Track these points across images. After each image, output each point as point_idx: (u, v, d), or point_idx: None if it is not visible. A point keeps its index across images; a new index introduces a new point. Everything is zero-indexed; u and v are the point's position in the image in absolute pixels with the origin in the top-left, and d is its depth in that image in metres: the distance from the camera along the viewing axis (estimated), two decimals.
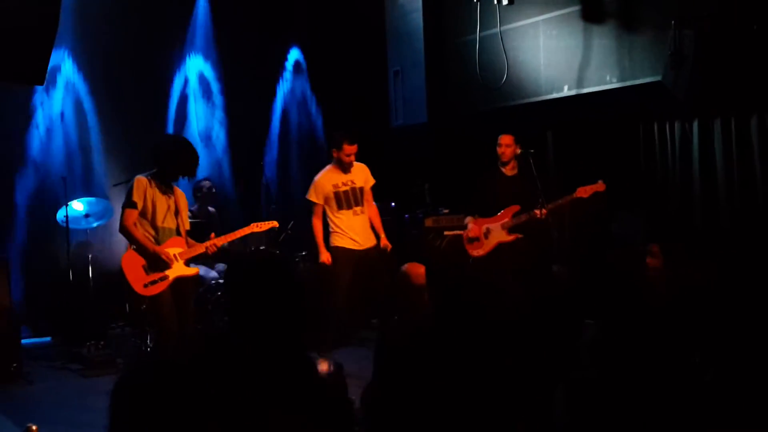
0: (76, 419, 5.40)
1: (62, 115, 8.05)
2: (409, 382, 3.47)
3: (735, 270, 5.46)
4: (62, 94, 8.04)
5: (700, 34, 5.25)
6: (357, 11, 8.81)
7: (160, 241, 5.58)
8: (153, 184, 5.58)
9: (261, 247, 7.37)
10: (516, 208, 6.41)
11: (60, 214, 7.17)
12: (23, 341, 6.93)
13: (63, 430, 5.01)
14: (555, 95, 6.68)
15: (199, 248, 5.75)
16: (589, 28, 6.36)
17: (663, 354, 2.44)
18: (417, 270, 3.99)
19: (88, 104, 8.18)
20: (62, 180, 7.36)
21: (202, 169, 8.92)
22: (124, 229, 5.56)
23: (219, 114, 9.15)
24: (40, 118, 7.94)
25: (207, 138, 9.07)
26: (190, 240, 5.82)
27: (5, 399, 5.74)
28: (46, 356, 7.14)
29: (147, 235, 5.56)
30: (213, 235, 5.86)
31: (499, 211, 6.51)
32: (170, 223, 5.65)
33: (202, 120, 9.03)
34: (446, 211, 7.93)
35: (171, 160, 5.60)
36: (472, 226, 6.62)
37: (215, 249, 5.79)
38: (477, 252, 6.59)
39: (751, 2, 5.28)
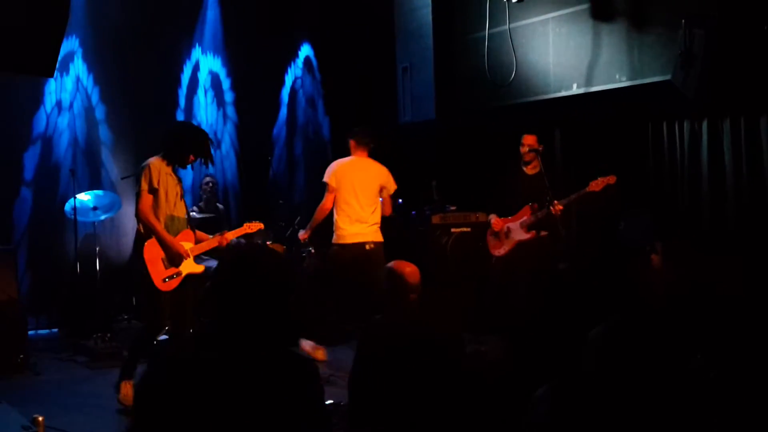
0: (82, 411, 5.43)
1: (71, 106, 8.07)
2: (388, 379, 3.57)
3: (742, 269, 5.45)
4: (71, 85, 8.07)
5: (711, 34, 5.23)
6: (366, 7, 8.80)
7: (170, 230, 5.50)
8: (165, 168, 5.48)
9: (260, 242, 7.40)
10: (534, 206, 6.48)
11: (68, 207, 7.20)
12: (30, 332, 6.96)
13: (69, 421, 5.02)
14: (564, 93, 6.66)
15: (213, 242, 5.73)
16: (598, 27, 6.34)
17: (666, 353, 2.43)
18: (409, 268, 3.96)
19: (96, 96, 8.20)
20: (70, 172, 7.39)
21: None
22: (143, 216, 5.39)
23: (228, 109, 9.17)
24: (48, 109, 7.97)
25: (215, 133, 9.09)
26: (198, 232, 5.80)
27: (12, 390, 5.76)
28: (53, 348, 7.18)
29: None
30: (225, 232, 5.90)
31: (519, 210, 6.61)
32: (180, 211, 5.58)
33: (211, 115, 9.05)
34: (453, 208, 7.94)
35: (187, 142, 5.52)
36: (496, 221, 6.72)
37: (227, 242, 5.81)
38: (498, 252, 6.74)
39: (761, 2, 5.25)
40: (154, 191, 5.40)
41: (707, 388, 2.87)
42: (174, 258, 5.46)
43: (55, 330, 7.72)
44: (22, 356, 6.39)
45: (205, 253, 5.92)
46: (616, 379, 2.31)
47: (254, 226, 6.13)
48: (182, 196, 5.64)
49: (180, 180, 5.67)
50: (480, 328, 6.21)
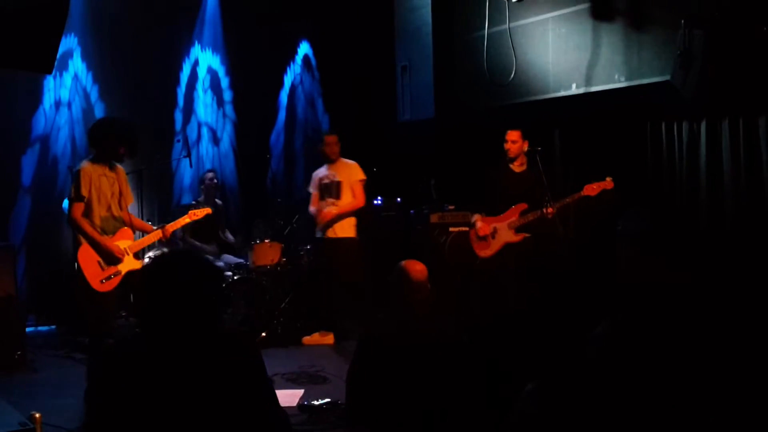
0: (79, 408, 5.41)
1: (70, 104, 8.07)
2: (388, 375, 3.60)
3: (739, 271, 5.45)
4: (70, 83, 8.07)
5: (710, 34, 5.23)
6: (366, 6, 8.81)
7: (106, 230, 5.50)
8: (97, 170, 5.49)
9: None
10: (523, 206, 6.33)
11: (66, 204, 7.20)
12: (28, 329, 6.97)
13: (66, 419, 5.02)
14: (563, 93, 6.66)
15: (153, 236, 5.76)
16: (598, 27, 6.35)
17: (666, 353, 2.43)
18: (417, 266, 3.97)
19: (95, 94, 8.20)
20: (68, 169, 7.39)
21: (208, 161, 8.98)
22: (73, 222, 5.45)
23: (226, 107, 9.16)
24: (47, 108, 7.97)
25: (214, 131, 9.08)
26: (138, 222, 5.82)
27: (9, 387, 5.76)
28: (51, 345, 7.18)
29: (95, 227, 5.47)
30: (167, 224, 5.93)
31: (507, 209, 6.44)
32: (116, 210, 5.58)
33: (210, 114, 9.04)
34: (451, 207, 7.92)
35: (115, 136, 5.50)
36: (481, 224, 6.51)
37: (167, 236, 5.80)
38: (484, 252, 6.49)
39: (761, 2, 5.25)
40: (81, 198, 5.41)
41: (704, 389, 2.87)
42: (110, 258, 5.47)
43: (53, 327, 7.73)
44: (19, 353, 6.39)
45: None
46: (621, 378, 2.31)
47: (200, 213, 6.19)
48: (120, 194, 5.60)
49: (115, 171, 5.60)
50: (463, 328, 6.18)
